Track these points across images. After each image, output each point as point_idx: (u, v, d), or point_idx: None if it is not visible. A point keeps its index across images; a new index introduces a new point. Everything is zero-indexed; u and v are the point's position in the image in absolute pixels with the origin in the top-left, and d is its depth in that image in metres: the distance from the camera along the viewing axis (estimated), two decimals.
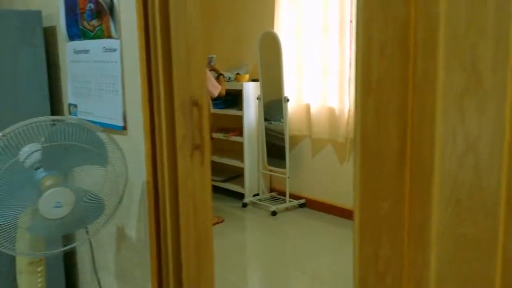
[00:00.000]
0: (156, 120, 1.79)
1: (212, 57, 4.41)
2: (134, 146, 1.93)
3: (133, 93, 1.89)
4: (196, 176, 1.74)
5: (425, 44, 1.10)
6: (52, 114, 2.41)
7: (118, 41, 1.90)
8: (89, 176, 1.83)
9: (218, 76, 4.31)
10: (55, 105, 2.45)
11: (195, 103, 1.67)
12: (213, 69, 4.33)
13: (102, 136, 1.76)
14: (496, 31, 0.96)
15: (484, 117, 1.00)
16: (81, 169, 1.81)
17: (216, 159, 5.18)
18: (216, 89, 4.01)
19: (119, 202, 1.86)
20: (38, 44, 2.30)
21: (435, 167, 1.09)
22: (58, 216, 1.69)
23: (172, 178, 1.78)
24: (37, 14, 2.29)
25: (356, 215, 1.24)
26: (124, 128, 1.96)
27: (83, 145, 1.71)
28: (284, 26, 4.57)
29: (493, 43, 0.97)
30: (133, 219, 2.03)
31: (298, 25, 4.49)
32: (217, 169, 5.48)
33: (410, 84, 1.16)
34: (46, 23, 2.37)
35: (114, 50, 1.92)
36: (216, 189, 5.13)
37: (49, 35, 2.39)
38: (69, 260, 2.56)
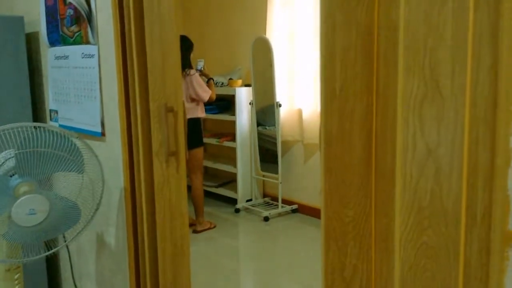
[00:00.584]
0: (133, 126, 1.78)
1: (200, 61, 4.40)
2: (112, 152, 1.93)
3: (111, 99, 1.89)
4: (172, 183, 1.73)
5: (386, 50, 1.09)
6: (35, 120, 2.40)
7: (95, 47, 1.90)
8: (65, 183, 1.82)
9: (208, 81, 4.31)
10: (37, 111, 2.45)
11: (170, 110, 1.66)
12: (202, 74, 4.33)
13: (78, 142, 1.75)
14: (454, 37, 0.95)
15: (443, 125, 0.99)
16: (57, 176, 1.79)
17: (209, 164, 5.17)
18: (207, 93, 4.00)
19: (96, 209, 1.85)
20: (20, 50, 2.30)
21: (397, 175, 1.08)
22: (32, 223, 1.68)
23: (148, 184, 1.77)
24: (20, 20, 2.29)
25: (323, 223, 1.23)
26: (103, 134, 1.96)
27: (57, 152, 1.70)
28: (277, 31, 4.57)
29: (451, 50, 0.96)
30: (112, 226, 2.02)
31: (291, 31, 4.49)
32: (210, 175, 5.47)
33: (374, 91, 1.15)
34: (29, 29, 2.37)
35: (92, 56, 1.92)
36: (209, 195, 5.12)
37: (32, 40, 2.39)
38: (52, 268, 2.55)
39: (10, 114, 2.29)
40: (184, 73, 3.93)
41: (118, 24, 1.75)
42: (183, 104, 1.71)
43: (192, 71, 3.96)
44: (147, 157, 1.76)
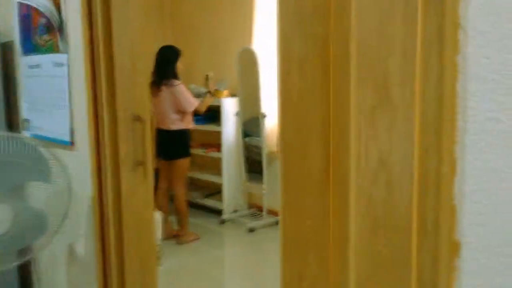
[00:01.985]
0: (101, 135, 1.76)
1: (209, 74, 4.44)
2: (81, 161, 1.91)
3: (80, 108, 1.87)
4: (139, 193, 1.71)
5: (341, 60, 1.08)
6: (9, 129, 2.38)
7: (66, 56, 1.89)
8: (32, 193, 1.80)
9: (206, 93, 4.31)
10: (12, 121, 2.42)
11: (138, 118, 1.64)
12: (207, 85, 4.37)
13: (44, 152, 1.73)
14: (404, 47, 0.95)
15: (395, 133, 0.98)
16: (24, 185, 1.77)
17: (196, 175, 5.15)
18: (190, 104, 3.99)
19: (64, 219, 1.82)
20: None
21: (351, 184, 1.06)
22: None
23: (116, 194, 1.75)
24: None
25: (281, 233, 1.21)
26: (72, 143, 1.94)
27: (23, 161, 1.68)
28: (263, 42, 4.58)
29: (401, 59, 0.95)
30: (82, 236, 1.99)
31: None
32: (196, 185, 5.44)
33: (330, 100, 1.14)
34: (4, 38, 2.35)
35: (62, 64, 1.91)
36: (195, 206, 5.09)
37: (7, 50, 2.38)
38: (25, 280, 2.51)
39: None
40: (169, 83, 3.91)
41: (87, 33, 1.74)
42: (151, 113, 1.69)
43: (177, 82, 3.95)
44: (114, 166, 1.74)
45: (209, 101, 4.31)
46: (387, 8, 0.96)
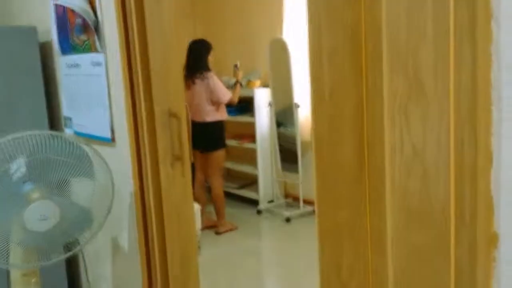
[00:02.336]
0: (139, 131, 1.82)
1: (236, 64, 4.44)
2: (122, 157, 1.97)
3: (118, 106, 1.93)
4: (178, 186, 1.76)
5: (373, 50, 1.09)
6: (50, 127, 2.47)
7: (102, 55, 1.95)
8: (76, 189, 1.87)
9: (235, 84, 4.33)
10: (53, 119, 2.52)
11: (174, 115, 1.68)
12: (234, 76, 4.37)
13: (86, 149, 1.80)
14: (436, 37, 0.94)
15: (429, 125, 0.98)
16: (69, 181, 1.84)
17: (231, 166, 5.20)
18: (225, 95, 4.03)
19: (107, 213, 1.89)
20: (34, 59, 2.37)
21: (386, 175, 1.07)
22: (43, 229, 1.73)
23: (156, 188, 1.81)
24: (33, 30, 2.37)
25: (317, 225, 1.23)
26: (113, 140, 2.00)
27: (67, 159, 1.75)
28: (294, 32, 4.57)
29: (433, 49, 0.95)
30: (125, 229, 2.06)
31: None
32: (232, 176, 5.50)
33: (363, 92, 1.15)
34: (42, 38, 2.44)
35: (100, 63, 1.97)
36: (231, 196, 5.15)
37: (46, 49, 2.46)
38: (73, 272, 2.62)
39: (26, 122, 2.36)
40: (202, 75, 3.96)
41: (123, 32, 1.79)
42: (187, 109, 1.73)
43: (210, 74, 3.99)
44: (153, 161, 1.79)
45: (239, 90, 4.33)
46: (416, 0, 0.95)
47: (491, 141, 0.86)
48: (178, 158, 1.72)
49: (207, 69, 4.01)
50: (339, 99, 1.16)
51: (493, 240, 0.88)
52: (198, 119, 4.03)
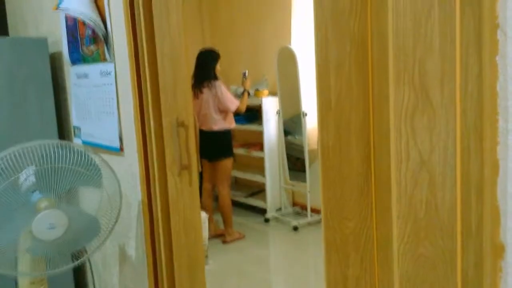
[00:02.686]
0: (148, 140, 1.83)
1: (245, 73, 4.45)
2: (130, 166, 1.98)
3: (127, 115, 1.94)
4: (185, 196, 1.76)
5: (379, 61, 1.09)
6: (60, 137, 2.49)
7: (112, 65, 1.96)
8: (84, 198, 1.88)
9: (243, 92, 4.34)
10: (62, 128, 2.54)
11: (181, 124, 1.69)
12: (242, 85, 4.39)
13: (96, 158, 1.81)
14: (442, 47, 0.95)
15: (435, 134, 0.98)
16: (77, 191, 1.86)
17: (238, 174, 5.21)
18: (233, 104, 4.04)
19: (115, 222, 1.90)
20: (45, 69, 2.40)
21: (392, 185, 1.07)
22: (51, 238, 1.74)
23: (163, 197, 1.81)
24: (44, 41, 2.40)
25: (323, 235, 1.23)
26: (121, 149, 2.02)
27: (76, 168, 1.76)
28: (302, 40, 4.58)
29: (439, 59, 0.95)
30: (133, 238, 2.07)
31: None
32: (240, 185, 5.50)
33: (370, 101, 1.15)
34: (53, 49, 2.47)
35: (109, 73, 1.98)
36: (239, 205, 5.15)
37: (56, 60, 2.49)
38: (80, 280, 2.62)
39: (36, 131, 2.39)
40: (210, 84, 3.98)
41: (132, 43, 1.81)
42: (194, 118, 1.74)
43: (218, 83, 4.01)
44: (161, 170, 1.80)
45: (247, 99, 4.34)
46: (423, 9, 0.96)
47: (497, 150, 0.86)
48: (185, 167, 1.73)
49: (214, 78, 4.03)
50: (346, 108, 1.16)
51: (499, 250, 0.87)
52: (206, 127, 4.04)
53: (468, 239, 0.97)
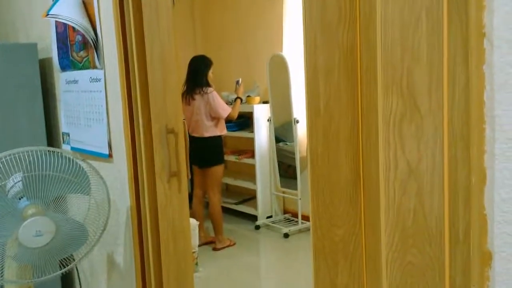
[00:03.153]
0: (137, 147, 1.82)
1: (238, 80, 4.46)
2: (119, 173, 1.97)
3: (117, 121, 1.93)
4: (174, 203, 1.75)
5: (367, 69, 1.10)
6: (49, 143, 2.47)
7: (102, 71, 1.96)
8: (72, 205, 1.87)
9: (236, 99, 4.35)
10: (52, 135, 2.52)
11: (171, 131, 1.69)
12: (235, 92, 4.40)
13: (84, 165, 1.80)
14: (429, 57, 0.95)
15: (423, 142, 0.98)
16: (64, 198, 1.84)
17: (229, 181, 5.20)
18: (225, 111, 4.04)
19: (103, 230, 1.88)
20: (34, 75, 2.39)
21: (380, 193, 1.07)
22: (38, 245, 1.72)
23: (152, 204, 1.80)
24: (33, 46, 2.38)
25: (312, 242, 1.23)
26: (110, 155, 2.00)
27: (63, 175, 1.74)
28: (293, 47, 4.60)
29: (427, 68, 0.96)
30: (121, 245, 2.05)
31: None
32: (231, 191, 5.49)
33: (359, 109, 1.15)
34: (43, 55, 2.45)
35: (99, 80, 1.98)
36: (229, 212, 5.13)
37: (46, 66, 2.48)
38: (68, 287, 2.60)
39: (25, 137, 2.37)
40: (202, 91, 3.98)
41: (122, 50, 1.80)
42: (184, 124, 1.74)
43: (210, 89, 4.01)
44: (150, 177, 1.79)
45: (239, 106, 4.35)
46: (410, 19, 0.96)
47: (484, 159, 0.86)
48: (175, 174, 1.72)
49: (207, 84, 4.03)
50: (335, 116, 1.16)
51: (486, 258, 0.88)
52: (197, 134, 4.04)
53: (455, 247, 0.97)
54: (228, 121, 4.33)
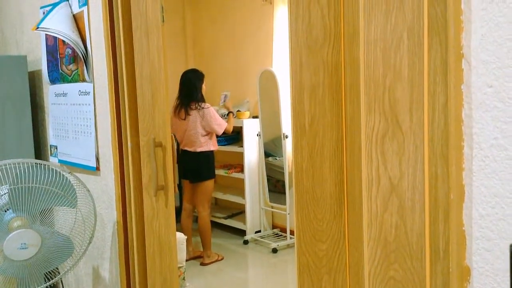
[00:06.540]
0: (125, 160, 1.82)
1: (226, 95, 4.48)
2: (106, 186, 1.97)
3: (105, 135, 1.94)
4: (160, 217, 1.75)
5: (351, 88, 1.12)
6: (36, 155, 2.47)
7: (91, 85, 1.97)
8: (59, 218, 1.86)
9: (228, 114, 4.36)
10: (40, 147, 2.52)
11: (159, 144, 1.70)
12: (225, 107, 4.41)
13: (71, 178, 1.80)
14: (411, 76, 0.98)
15: (404, 160, 1.00)
16: (51, 210, 1.84)
17: (219, 195, 5.19)
18: (220, 126, 4.05)
19: (89, 243, 1.88)
20: (23, 87, 2.39)
21: (363, 209, 1.09)
22: (23, 257, 1.71)
23: (139, 218, 1.80)
24: (23, 59, 2.39)
25: (296, 257, 1.24)
26: (97, 168, 2.00)
27: (50, 188, 1.74)
28: (283, 63, 4.64)
29: (408, 88, 0.98)
30: (107, 259, 2.04)
31: None
32: (220, 206, 5.48)
33: (343, 126, 1.17)
34: (32, 67, 2.46)
35: (88, 93, 1.99)
36: (218, 226, 5.12)
37: (35, 78, 2.48)
38: None
39: (12, 149, 2.36)
40: (199, 106, 3.98)
41: (111, 63, 1.82)
42: (172, 139, 1.75)
43: (206, 105, 4.02)
44: (137, 190, 1.80)
45: (233, 120, 4.37)
46: (392, 40, 0.99)
47: (462, 176, 0.88)
48: (162, 188, 1.72)
49: (202, 99, 4.03)
50: (319, 133, 1.18)
51: (465, 273, 0.89)
52: (190, 148, 4.04)
53: (436, 262, 0.99)
54: (223, 134, 4.34)
